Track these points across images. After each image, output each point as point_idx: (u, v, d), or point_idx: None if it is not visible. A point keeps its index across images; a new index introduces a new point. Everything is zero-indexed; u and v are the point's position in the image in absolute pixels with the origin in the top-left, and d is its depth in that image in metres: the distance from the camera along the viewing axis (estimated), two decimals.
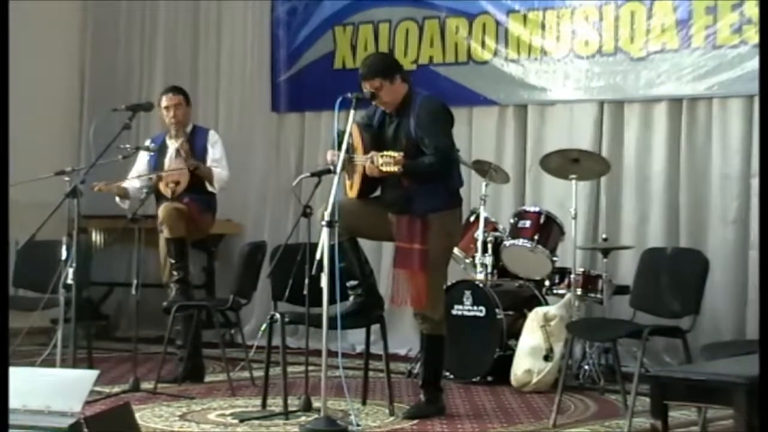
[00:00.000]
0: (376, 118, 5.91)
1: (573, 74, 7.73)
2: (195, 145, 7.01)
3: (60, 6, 9.55)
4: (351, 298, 5.90)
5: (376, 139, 5.81)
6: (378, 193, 5.95)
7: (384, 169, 5.54)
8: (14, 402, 4.10)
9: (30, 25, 9.13)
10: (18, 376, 4.21)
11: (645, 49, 7.44)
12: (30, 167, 7.26)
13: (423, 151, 5.69)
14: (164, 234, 6.83)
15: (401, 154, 5.53)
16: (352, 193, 5.89)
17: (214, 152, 7.03)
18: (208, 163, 6.98)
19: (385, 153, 5.55)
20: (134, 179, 7.01)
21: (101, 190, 6.91)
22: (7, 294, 6.37)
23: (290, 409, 5.81)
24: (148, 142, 7.03)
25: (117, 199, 7.02)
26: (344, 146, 5.59)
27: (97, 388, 5.88)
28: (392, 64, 5.95)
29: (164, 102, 6.99)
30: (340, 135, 5.71)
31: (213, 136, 7.14)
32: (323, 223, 5.38)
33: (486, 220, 7.21)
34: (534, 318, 6.83)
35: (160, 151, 6.95)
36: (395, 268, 5.85)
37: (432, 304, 5.83)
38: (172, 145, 6.96)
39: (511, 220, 7.28)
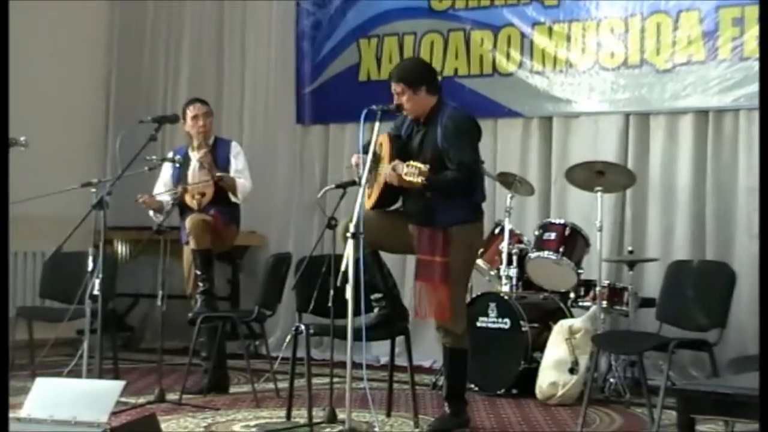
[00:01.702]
0: (405, 127, 5.90)
1: (598, 86, 7.71)
2: (217, 157, 7.03)
3: (86, 18, 9.61)
4: (375, 311, 5.90)
5: (402, 149, 5.80)
6: (397, 205, 5.93)
7: (407, 179, 5.51)
8: (41, 413, 4.12)
9: (56, 36, 9.21)
10: (45, 387, 4.23)
11: (671, 61, 7.42)
12: (56, 179, 7.30)
13: (446, 164, 5.67)
14: (191, 245, 6.85)
15: (427, 166, 5.49)
16: (369, 204, 5.86)
17: (237, 163, 7.05)
18: (231, 174, 7.00)
19: (410, 163, 5.52)
20: (164, 193, 7.02)
21: (145, 202, 6.92)
22: (7, 297, 6.39)
23: (315, 420, 5.81)
24: (170, 155, 7.06)
25: (151, 213, 7.02)
26: (369, 158, 5.57)
27: (123, 399, 5.88)
28: (421, 74, 5.85)
29: (192, 112, 7.01)
30: (367, 145, 5.69)
31: (235, 148, 7.16)
32: (348, 235, 5.38)
33: (511, 232, 7.20)
34: (559, 330, 6.81)
35: (183, 163, 6.97)
36: (417, 280, 5.83)
37: (454, 318, 5.81)
38: (195, 157, 6.99)
39: (536, 233, 7.26)
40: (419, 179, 5.46)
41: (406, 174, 5.49)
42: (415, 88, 5.74)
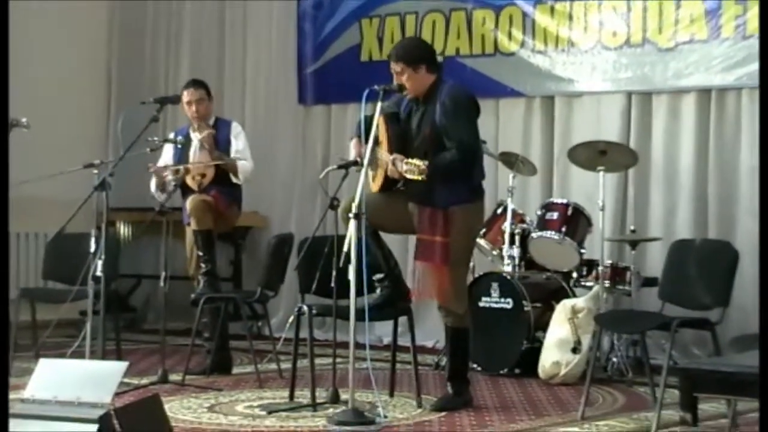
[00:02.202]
0: (403, 106, 5.89)
1: (600, 65, 7.69)
2: (218, 138, 7.01)
3: (87, 1, 9.59)
4: (378, 291, 5.90)
5: (401, 132, 5.78)
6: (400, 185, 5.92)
7: (408, 176, 5.50)
8: (45, 393, 4.13)
9: (57, 19, 9.20)
10: (48, 368, 4.24)
11: (673, 39, 7.39)
12: (58, 161, 7.31)
13: (444, 142, 5.65)
14: (192, 226, 6.85)
15: (425, 163, 5.43)
16: (375, 187, 5.86)
17: (238, 144, 7.04)
18: (232, 154, 6.98)
19: (409, 160, 5.47)
20: (170, 167, 7.00)
21: (156, 173, 6.88)
22: (7, 293, 6.40)
23: (318, 401, 5.82)
24: (172, 136, 7.06)
25: (153, 188, 6.99)
26: (371, 139, 5.57)
27: (126, 380, 5.90)
28: (421, 53, 5.85)
29: (186, 97, 6.99)
30: (367, 121, 5.68)
31: (236, 128, 7.15)
32: (350, 215, 5.37)
33: (513, 212, 7.20)
34: (562, 310, 6.81)
35: (185, 143, 6.96)
36: (417, 260, 5.82)
37: (455, 298, 5.81)
38: (196, 137, 6.97)
39: (539, 212, 7.26)
40: (418, 177, 5.44)
41: (406, 172, 5.47)
42: (415, 66, 5.73)
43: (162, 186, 6.94)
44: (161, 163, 7.12)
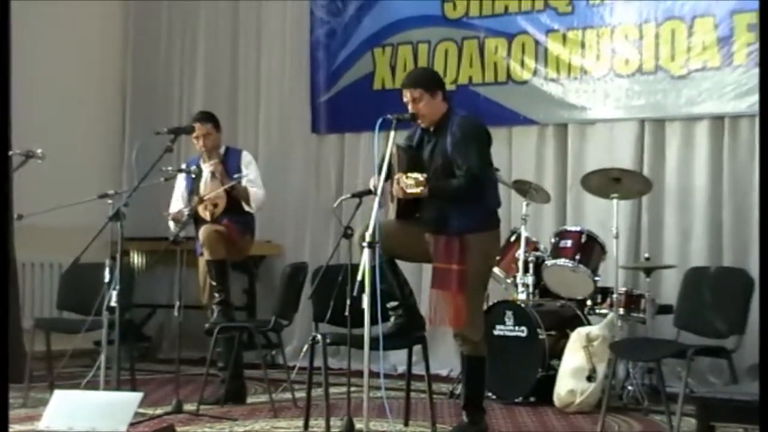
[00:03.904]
0: (416, 138, 5.91)
1: (613, 93, 7.70)
2: (228, 167, 7.03)
3: (101, 28, 9.66)
4: (392, 319, 5.89)
5: (413, 160, 5.80)
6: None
7: (409, 191, 5.53)
8: (60, 424, 4.14)
9: (72, 49, 9.25)
10: (63, 399, 4.24)
11: (686, 67, 7.40)
12: (73, 190, 7.33)
13: (455, 172, 5.67)
14: (205, 256, 6.86)
15: (424, 175, 5.50)
16: (392, 215, 5.87)
17: (249, 172, 7.05)
18: (244, 183, 7.00)
19: (409, 175, 5.53)
20: (179, 204, 7.04)
21: (176, 219, 6.91)
22: (8, 296, 6.41)
23: (333, 430, 5.81)
24: (184, 166, 7.08)
25: (173, 227, 7.01)
26: (384, 169, 5.58)
27: (141, 410, 5.88)
28: (435, 78, 5.90)
29: (194, 132, 7.01)
30: (382, 160, 5.70)
31: (246, 157, 7.17)
32: (364, 244, 5.38)
33: (527, 239, 7.19)
34: (576, 338, 6.79)
35: (198, 173, 6.98)
36: (433, 288, 5.81)
37: (472, 325, 5.79)
38: (206, 167, 7.00)
39: (552, 240, 7.25)
40: (419, 189, 5.47)
41: (407, 186, 5.50)
42: (433, 92, 5.75)
43: (179, 219, 6.98)
44: (176, 196, 7.13)
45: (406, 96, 5.77)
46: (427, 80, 5.81)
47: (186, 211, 6.89)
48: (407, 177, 5.53)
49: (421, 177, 5.51)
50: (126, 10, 9.85)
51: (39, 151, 6.35)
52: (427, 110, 5.74)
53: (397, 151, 5.77)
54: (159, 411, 6.43)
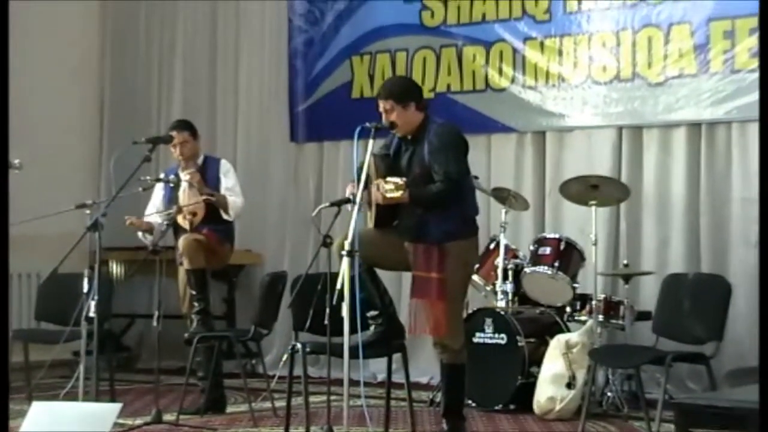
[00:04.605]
0: (393, 146, 5.91)
1: (591, 100, 7.73)
2: (207, 176, 7.03)
3: (79, 38, 9.63)
4: (372, 328, 5.89)
5: (390, 168, 5.80)
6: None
7: (389, 195, 5.55)
8: None
9: (49, 58, 9.20)
10: (41, 411, 4.22)
11: (663, 74, 7.44)
12: (51, 200, 7.30)
13: (434, 179, 5.68)
14: (184, 265, 6.84)
15: (404, 179, 5.54)
16: (371, 224, 5.87)
17: (227, 181, 7.05)
18: (222, 192, 7.00)
19: (388, 179, 5.56)
20: (155, 215, 7.03)
21: (133, 224, 6.93)
22: (7, 303, 6.39)
23: None
24: (163, 175, 7.06)
25: (140, 234, 7.03)
26: (363, 178, 5.59)
27: (120, 421, 5.87)
28: (408, 90, 5.90)
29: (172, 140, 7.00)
30: (360, 168, 5.71)
31: (224, 165, 7.16)
32: (343, 253, 5.37)
33: (506, 247, 7.20)
34: (556, 345, 6.80)
35: (176, 183, 6.96)
36: (413, 297, 5.81)
37: (451, 334, 5.79)
38: (185, 177, 6.99)
39: (531, 247, 7.27)
40: (398, 193, 5.49)
41: (386, 191, 5.52)
42: (404, 104, 5.76)
43: (148, 229, 6.97)
44: (151, 204, 7.13)
45: (380, 106, 5.79)
46: (399, 92, 5.81)
47: (159, 220, 6.87)
48: (386, 182, 5.55)
49: (400, 181, 5.53)
50: (102, 22, 9.81)
51: (16, 161, 6.33)
52: (400, 121, 5.75)
53: (374, 160, 5.77)
54: (138, 421, 6.41)
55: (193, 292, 6.85)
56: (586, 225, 7.06)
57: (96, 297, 5.88)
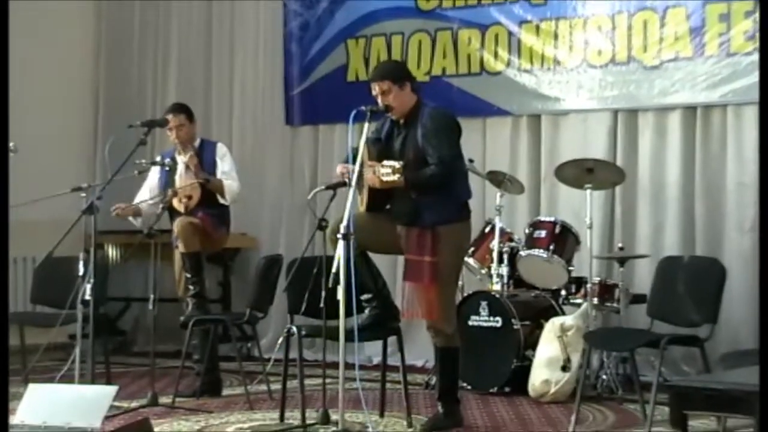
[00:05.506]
0: (384, 130, 5.92)
1: (586, 84, 7.73)
2: (204, 159, 7.03)
3: (74, 23, 9.61)
4: (366, 311, 5.90)
5: (383, 152, 5.81)
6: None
7: (385, 179, 5.55)
8: (34, 419, 4.12)
9: (44, 42, 9.18)
10: (37, 393, 4.23)
11: (658, 57, 7.43)
12: (46, 184, 7.29)
13: (428, 163, 5.68)
14: (179, 249, 6.85)
15: (401, 163, 5.54)
16: (362, 207, 5.88)
17: (223, 165, 7.05)
18: (218, 176, 7.00)
19: (385, 163, 5.57)
20: (143, 202, 7.02)
21: (119, 215, 6.94)
22: (7, 300, 6.39)
23: (308, 422, 5.82)
24: (159, 158, 7.06)
25: (130, 217, 7.05)
26: (358, 160, 5.59)
27: (116, 404, 5.87)
28: (403, 70, 5.96)
29: (168, 123, 6.99)
30: (355, 150, 5.71)
31: (221, 149, 7.15)
32: (339, 236, 5.38)
33: (501, 230, 7.21)
34: (551, 328, 6.82)
35: (172, 166, 6.96)
36: (405, 281, 5.83)
37: (444, 317, 5.81)
38: (181, 160, 6.98)
39: (527, 231, 7.28)
40: (395, 177, 5.50)
41: (383, 175, 5.52)
42: (401, 83, 5.77)
43: (136, 213, 6.98)
44: (145, 187, 7.13)
45: (375, 89, 5.79)
46: (395, 72, 5.83)
47: (151, 201, 6.88)
48: (383, 166, 5.56)
49: (397, 165, 5.55)
50: (98, 6, 9.79)
51: (11, 144, 6.33)
52: (396, 102, 5.75)
53: (366, 145, 5.78)
54: (134, 404, 6.43)
55: (189, 276, 6.85)
56: (581, 208, 7.07)
57: (92, 280, 5.90)
